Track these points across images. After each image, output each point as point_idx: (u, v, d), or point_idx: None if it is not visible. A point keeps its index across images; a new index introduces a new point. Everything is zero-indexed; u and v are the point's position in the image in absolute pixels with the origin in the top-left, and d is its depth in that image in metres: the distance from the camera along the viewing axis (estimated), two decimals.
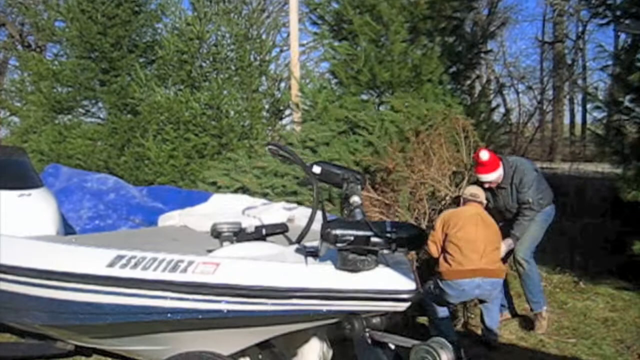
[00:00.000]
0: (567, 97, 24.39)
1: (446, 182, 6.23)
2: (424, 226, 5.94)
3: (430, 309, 5.14)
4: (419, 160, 6.33)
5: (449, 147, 6.42)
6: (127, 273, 3.16)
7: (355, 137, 7.18)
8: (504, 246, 5.38)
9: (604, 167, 12.46)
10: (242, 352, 3.44)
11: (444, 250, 5.02)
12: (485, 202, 5.41)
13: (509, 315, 6.03)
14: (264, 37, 11.35)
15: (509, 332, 5.58)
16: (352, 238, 2.69)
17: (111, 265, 3.22)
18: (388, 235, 2.71)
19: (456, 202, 5.81)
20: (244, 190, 7.26)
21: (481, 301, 5.21)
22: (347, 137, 7.33)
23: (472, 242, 4.89)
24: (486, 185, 5.58)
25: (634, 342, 5.37)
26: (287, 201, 5.68)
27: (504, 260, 5.49)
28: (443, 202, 6.17)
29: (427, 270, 5.58)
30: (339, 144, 7.13)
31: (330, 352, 3.51)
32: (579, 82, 23.22)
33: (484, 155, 5.49)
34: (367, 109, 7.58)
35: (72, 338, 4.24)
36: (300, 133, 7.76)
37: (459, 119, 6.61)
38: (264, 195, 6.89)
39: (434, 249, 5.10)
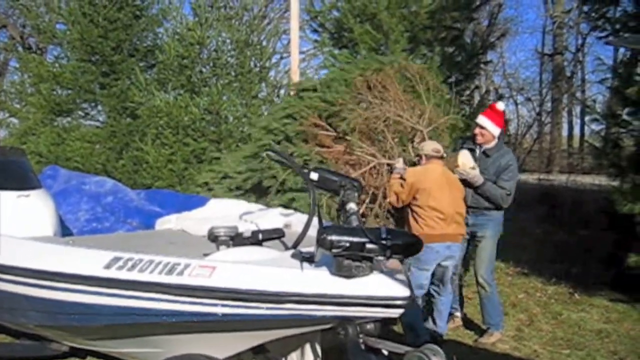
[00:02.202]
0: (566, 109, 24.51)
1: (407, 115, 6.12)
2: (393, 162, 5.87)
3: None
4: (372, 97, 6.29)
5: (405, 93, 6.39)
6: (123, 275, 3.16)
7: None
8: (472, 173, 5.44)
9: (601, 180, 12.52)
10: (237, 357, 3.46)
11: (414, 212, 5.22)
12: (445, 155, 5.48)
13: (460, 322, 6.06)
14: (264, 43, 11.32)
15: (502, 343, 5.59)
16: (347, 244, 2.70)
17: (108, 266, 3.23)
18: (383, 242, 2.72)
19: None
20: (226, 177, 7.34)
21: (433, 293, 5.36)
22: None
23: (440, 210, 5.10)
24: (476, 131, 5.66)
25: (627, 354, 5.39)
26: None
27: None
28: (413, 137, 6.12)
29: None
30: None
31: None
32: (578, 94, 23.36)
33: (500, 105, 5.78)
34: None
35: (67, 339, 4.24)
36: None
37: (411, 65, 6.65)
38: (239, 174, 7.01)
39: (394, 200, 5.35)
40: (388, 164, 5.99)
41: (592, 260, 8.16)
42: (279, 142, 6.67)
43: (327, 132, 6.33)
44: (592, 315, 6.46)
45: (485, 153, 5.64)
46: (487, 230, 5.59)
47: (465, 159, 5.52)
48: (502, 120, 5.71)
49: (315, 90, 6.94)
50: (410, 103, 6.29)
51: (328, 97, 6.55)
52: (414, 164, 5.69)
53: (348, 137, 6.10)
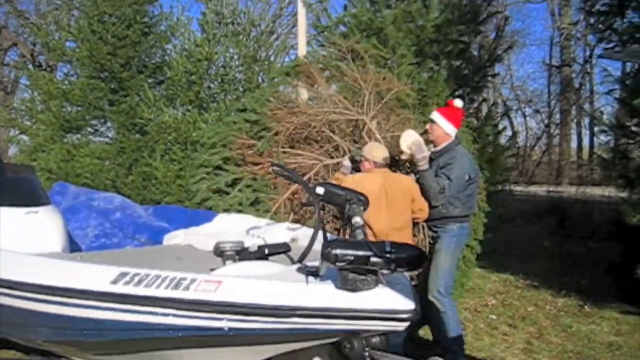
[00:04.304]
0: (575, 120, 24.48)
1: (342, 108, 5.93)
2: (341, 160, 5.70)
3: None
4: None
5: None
6: (130, 290, 3.18)
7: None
8: (416, 152, 5.04)
9: (611, 191, 12.49)
10: None
11: None
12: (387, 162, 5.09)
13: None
14: (272, 59, 11.39)
15: (512, 356, 5.57)
16: (352, 258, 2.70)
17: (115, 282, 3.25)
18: (388, 255, 2.73)
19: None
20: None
21: None
22: None
23: (371, 226, 4.59)
24: (427, 127, 5.30)
25: None
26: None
27: None
28: (362, 128, 5.89)
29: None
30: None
31: None
32: (587, 106, 23.34)
33: (458, 102, 5.32)
34: None
35: (76, 355, 4.25)
36: None
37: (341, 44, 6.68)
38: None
39: None
40: (337, 163, 5.78)
41: (602, 273, 8.12)
42: (208, 174, 6.57)
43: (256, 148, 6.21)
44: (603, 327, 6.43)
45: (431, 157, 5.17)
46: (440, 242, 5.09)
47: (406, 138, 5.14)
48: (459, 120, 5.26)
49: (244, 110, 6.88)
50: (345, 92, 6.21)
51: (253, 116, 6.51)
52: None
53: (275, 150, 5.98)
